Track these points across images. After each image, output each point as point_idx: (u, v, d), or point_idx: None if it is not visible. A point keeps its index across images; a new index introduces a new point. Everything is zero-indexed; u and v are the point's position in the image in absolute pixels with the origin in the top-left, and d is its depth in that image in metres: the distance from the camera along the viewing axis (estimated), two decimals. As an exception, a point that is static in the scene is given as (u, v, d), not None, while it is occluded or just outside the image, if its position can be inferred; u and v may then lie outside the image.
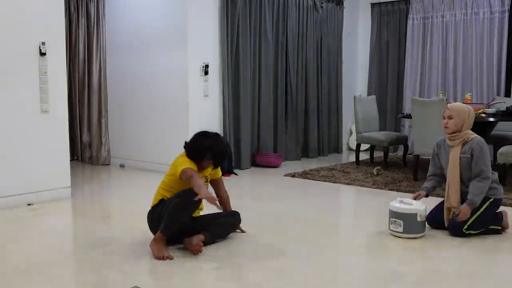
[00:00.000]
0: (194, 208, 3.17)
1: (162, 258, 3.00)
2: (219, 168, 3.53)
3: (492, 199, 3.53)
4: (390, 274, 2.90)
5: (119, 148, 6.64)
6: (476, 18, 7.16)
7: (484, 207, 3.50)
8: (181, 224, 3.10)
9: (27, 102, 4.45)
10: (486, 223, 3.54)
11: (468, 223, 3.46)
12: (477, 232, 3.51)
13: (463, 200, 3.54)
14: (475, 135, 3.59)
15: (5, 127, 4.33)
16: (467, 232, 3.47)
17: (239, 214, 3.59)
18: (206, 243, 3.19)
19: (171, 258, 3.01)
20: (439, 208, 3.71)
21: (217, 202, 3.05)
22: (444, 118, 3.62)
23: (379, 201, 4.65)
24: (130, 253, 3.16)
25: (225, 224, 3.46)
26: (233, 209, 3.62)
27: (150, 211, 3.29)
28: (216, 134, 3.44)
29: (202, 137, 3.36)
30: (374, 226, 3.90)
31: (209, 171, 3.44)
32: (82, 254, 3.24)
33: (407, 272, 2.93)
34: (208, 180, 3.47)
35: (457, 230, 3.50)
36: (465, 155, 3.53)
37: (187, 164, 3.17)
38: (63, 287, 2.75)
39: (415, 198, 3.68)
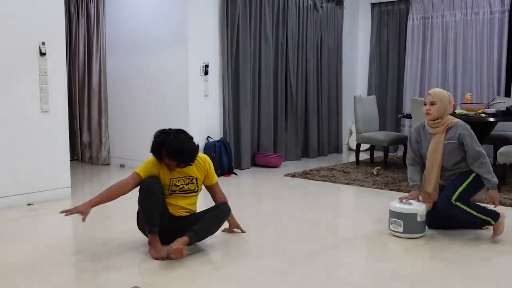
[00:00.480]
0: (155, 191, 3.10)
1: (162, 258, 3.00)
2: (212, 173, 3.39)
3: (475, 173, 3.49)
4: (390, 274, 2.90)
5: (119, 148, 6.64)
6: (476, 18, 7.16)
7: (470, 178, 3.46)
8: (156, 214, 3.07)
9: (27, 102, 4.45)
10: (472, 195, 3.52)
11: (456, 194, 3.40)
12: (466, 207, 3.39)
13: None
14: (456, 119, 3.55)
15: (5, 127, 4.33)
16: (455, 203, 3.38)
17: (225, 205, 3.37)
18: (191, 243, 3.10)
19: (170, 257, 2.99)
20: (435, 211, 3.60)
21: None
22: (426, 105, 3.55)
23: (379, 201, 4.65)
24: (130, 253, 3.16)
25: (208, 219, 3.23)
26: (225, 203, 3.41)
27: (136, 218, 3.28)
28: (177, 131, 3.24)
29: (160, 134, 3.20)
30: (374, 226, 3.90)
31: (195, 173, 3.28)
32: (82, 254, 3.23)
33: (407, 272, 2.93)
34: (197, 182, 3.30)
35: (446, 202, 3.42)
36: (450, 141, 3.48)
37: (143, 166, 3.21)
38: (63, 287, 2.75)
39: (408, 199, 3.56)
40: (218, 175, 5.77)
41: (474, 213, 3.43)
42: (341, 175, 5.94)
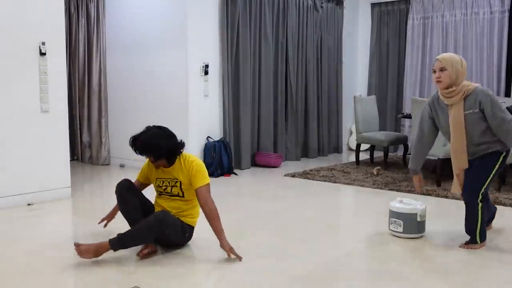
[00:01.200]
0: (123, 193, 3.28)
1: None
2: (196, 176, 3.12)
3: (504, 153, 3.23)
4: (390, 274, 2.90)
5: (119, 148, 6.64)
6: (476, 18, 7.16)
7: (497, 165, 3.21)
8: (131, 216, 3.26)
9: (27, 102, 4.45)
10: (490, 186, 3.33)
11: (482, 190, 3.20)
12: (479, 215, 3.26)
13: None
14: (474, 84, 3.17)
15: (5, 127, 4.33)
16: (480, 203, 3.23)
17: (158, 214, 3.05)
18: (112, 248, 2.99)
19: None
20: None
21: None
22: (435, 72, 3.18)
23: (379, 201, 4.65)
24: (130, 253, 3.15)
25: (137, 226, 3.06)
26: (159, 213, 3.10)
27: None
28: (155, 127, 3.21)
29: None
30: (374, 226, 3.90)
31: (179, 175, 3.18)
32: (82, 254, 3.23)
33: (407, 272, 2.93)
34: (180, 186, 3.18)
35: (472, 197, 3.23)
36: (471, 111, 3.11)
37: (141, 168, 3.44)
38: (63, 287, 2.75)
39: (419, 187, 3.48)
40: (218, 175, 5.87)
41: (478, 224, 3.26)
42: (341, 175, 5.94)
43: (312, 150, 7.46)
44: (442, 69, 3.14)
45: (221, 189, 5.25)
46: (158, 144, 3.08)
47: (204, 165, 3.24)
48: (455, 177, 3.33)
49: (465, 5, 7.24)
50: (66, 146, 4.79)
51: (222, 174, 5.94)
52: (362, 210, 4.72)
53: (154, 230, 3.01)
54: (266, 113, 6.71)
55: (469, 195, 3.25)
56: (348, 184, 5.50)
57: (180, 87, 5.93)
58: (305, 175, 5.97)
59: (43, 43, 4.50)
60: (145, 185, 3.45)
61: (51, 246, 3.21)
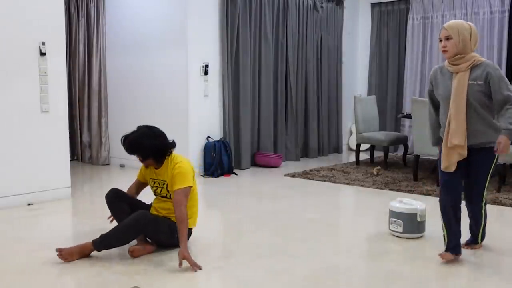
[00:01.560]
0: (111, 197, 3.38)
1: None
2: (175, 177, 3.08)
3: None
4: (390, 274, 2.90)
5: (119, 148, 6.56)
6: (476, 18, 7.16)
7: (493, 165, 3.03)
8: (118, 217, 3.33)
9: (27, 102, 4.45)
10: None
11: (484, 193, 3.09)
12: (483, 217, 3.19)
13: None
14: (484, 58, 2.93)
15: (5, 127, 4.33)
16: (484, 207, 3.16)
17: (137, 214, 3.06)
18: (96, 249, 3.06)
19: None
20: (467, 184, 3.14)
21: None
22: (441, 41, 2.93)
23: (379, 201, 4.65)
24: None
25: (118, 226, 3.11)
26: (139, 213, 3.10)
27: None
28: (139, 127, 3.24)
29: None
30: (374, 226, 3.90)
31: (164, 176, 3.18)
32: (82, 254, 3.23)
33: (407, 272, 2.93)
34: (166, 187, 3.18)
35: (475, 202, 3.13)
36: (476, 82, 2.85)
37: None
38: (63, 287, 2.75)
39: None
40: (218, 175, 5.87)
41: (481, 226, 3.24)
42: (341, 175, 5.94)
43: (312, 150, 7.45)
44: (447, 38, 2.89)
45: (221, 189, 5.26)
46: (144, 143, 3.10)
47: (190, 168, 3.17)
48: (446, 151, 2.96)
49: (465, 5, 7.24)
50: (66, 146, 4.79)
51: (222, 174, 5.94)
52: (362, 210, 4.73)
53: (132, 229, 3.05)
54: (266, 113, 6.71)
55: (475, 199, 3.14)
56: (348, 184, 5.50)
57: (180, 87, 5.93)
58: (305, 175, 5.97)
59: (43, 43, 4.50)
60: (144, 184, 3.46)
61: (51, 246, 3.21)
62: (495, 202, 4.56)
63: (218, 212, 4.42)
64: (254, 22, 6.42)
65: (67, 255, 3.01)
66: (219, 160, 5.90)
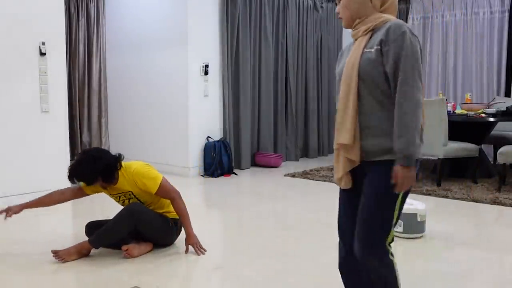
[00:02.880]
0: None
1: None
2: (144, 184, 3.09)
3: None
4: (390, 274, 2.89)
5: (119, 148, 6.64)
6: (476, 18, 7.16)
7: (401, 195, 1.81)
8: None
9: (27, 102, 4.45)
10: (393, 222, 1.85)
11: (369, 239, 1.83)
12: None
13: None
14: (395, 18, 1.90)
15: (5, 127, 4.33)
16: (368, 258, 1.84)
17: (128, 208, 3.08)
18: (94, 247, 3.08)
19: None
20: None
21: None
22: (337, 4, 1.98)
23: (379, 201, 4.65)
24: (130, 253, 3.16)
25: (110, 222, 3.09)
26: (129, 206, 3.11)
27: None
28: (79, 154, 3.19)
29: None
30: (374, 226, 3.90)
31: (127, 187, 3.14)
32: (82, 254, 3.23)
33: (407, 272, 2.93)
34: (134, 196, 3.16)
35: (366, 252, 1.84)
36: (371, 50, 1.81)
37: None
38: (63, 287, 2.75)
39: None
40: (218, 175, 5.87)
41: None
42: (341, 175, 5.93)
43: (312, 150, 7.45)
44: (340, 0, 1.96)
45: (221, 189, 5.26)
46: (83, 171, 3.01)
47: (145, 165, 3.16)
48: (335, 154, 1.94)
49: (465, 5, 7.24)
50: (66, 146, 4.79)
51: (222, 174, 5.94)
52: (362, 210, 4.72)
53: (125, 219, 3.04)
54: (266, 113, 6.71)
55: (363, 248, 1.84)
56: (348, 184, 5.49)
57: (180, 87, 5.93)
58: (305, 175, 5.97)
59: (43, 43, 4.50)
60: (84, 194, 3.32)
61: (51, 246, 3.21)
62: (495, 202, 4.56)
63: (218, 212, 4.42)
64: (254, 22, 6.42)
65: (65, 256, 3.02)
66: (219, 160, 5.90)
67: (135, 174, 3.08)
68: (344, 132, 1.85)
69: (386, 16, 1.89)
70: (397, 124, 1.73)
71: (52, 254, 3.02)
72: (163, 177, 3.16)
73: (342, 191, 1.99)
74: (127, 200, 3.19)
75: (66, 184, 4.76)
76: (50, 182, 4.63)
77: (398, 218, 1.86)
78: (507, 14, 6.97)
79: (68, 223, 4.24)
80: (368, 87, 1.81)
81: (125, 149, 6.56)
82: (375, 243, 1.82)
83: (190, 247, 3.18)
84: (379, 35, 1.82)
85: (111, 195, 3.23)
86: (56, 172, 4.67)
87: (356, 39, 1.91)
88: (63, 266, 2.98)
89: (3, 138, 4.32)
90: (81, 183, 3.21)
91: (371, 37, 1.85)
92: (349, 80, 1.84)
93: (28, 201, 3.27)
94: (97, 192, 3.29)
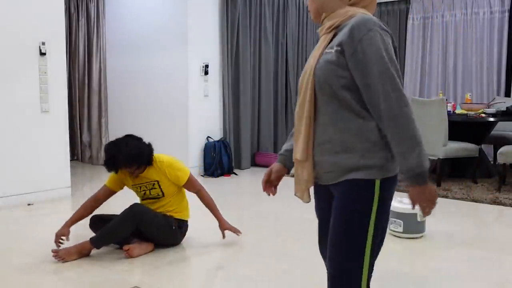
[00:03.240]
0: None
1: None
2: (174, 174, 3.19)
3: (380, 180, 1.57)
4: (390, 274, 2.89)
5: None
6: (476, 18, 7.16)
7: (376, 204, 1.56)
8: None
9: (27, 102, 4.45)
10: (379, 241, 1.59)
11: (344, 258, 1.57)
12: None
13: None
14: (362, 13, 1.53)
15: (5, 127, 4.33)
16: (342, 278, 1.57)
17: (131, 207, 3.10)
18: (95, 247, 3.09)
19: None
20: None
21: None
22: None
23: (379, 201, 4.65)
24: (130, 253, 3.16)
25: (111, 222, 3.10)
26: (131, 206, 3.13)
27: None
28: (118, 141, 3.18)
29: (109, 146, 3.18)
30: (374, 226, 3.90)
31: (153, 176, 3.19)
32: (82, 254, 3.24)
33: (407, 272, 2.93)
34: (160, 186, 3.21)
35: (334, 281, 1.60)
36: (330, 50, 1.53)
37: (109, 177, 3.32)
38: (63, 287, 2.75)
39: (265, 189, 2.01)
40: (218, 175, 5.87)
41: None
42: (341, 175, 5.92)
43: (312, 150, 7.45)
44: None
45: (221, 189, 5.26)
46: (131, 151, 3.04)
47: (173, 158, 3.27)
48: (295, 172, 1.83)
49: (465, 5, 7.24)
50: (66, 146, 4.80)
51: (222, 174, 5.94)
52: (362, 210, 4.72)
53: (128, 219, 3.05)
54: (266, 113, 6.71)
55: (332, 277, 1.61)
56: (348, 184, 5.49)
57: (180, 87, 5.93)
58: (305, 175, 5.96)
59: (43, 43, 4.50)
60: (113, 192, 3.34)
61: (51, 246, 3.21)
62: (495, 202, 4.56)
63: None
64: (254, 22, 6.42)
65: (65, 255, 3.02)
66: (219, 160, 5.90)
67: (167, 166, 3.18)
68: (297, 146, 1.67)
69: (355, 10, 1.54)
70: (397, 143, 1.46)
71: (52, 254, 3.02)
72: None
73: (316, 212, 1.79)
74: (149, 191, 3.22)
75: (66, 184, 4.77)
76: (50, 182, 4.64)
77: (381, 243, 1.57)
78: (507, 14, 6.97)
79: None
80: (327, 94, 1.53)
81: (125, 149, 6.57)
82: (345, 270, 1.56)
83: (226, 232, 3.35)
84: (341, 34, 1.51)
85: (134, 185, 3.24)
86: (56, 172, 4.67)
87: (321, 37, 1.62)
88: (63, 266, 2.98)
89: (3, 138, 4.32)
90: (106, 183, 3.29)
91: (334, 35, 1.56)
92: (306, 87, 1.59)
93: (66, 221, 3.23)
94: (122, 187, 3.33)
